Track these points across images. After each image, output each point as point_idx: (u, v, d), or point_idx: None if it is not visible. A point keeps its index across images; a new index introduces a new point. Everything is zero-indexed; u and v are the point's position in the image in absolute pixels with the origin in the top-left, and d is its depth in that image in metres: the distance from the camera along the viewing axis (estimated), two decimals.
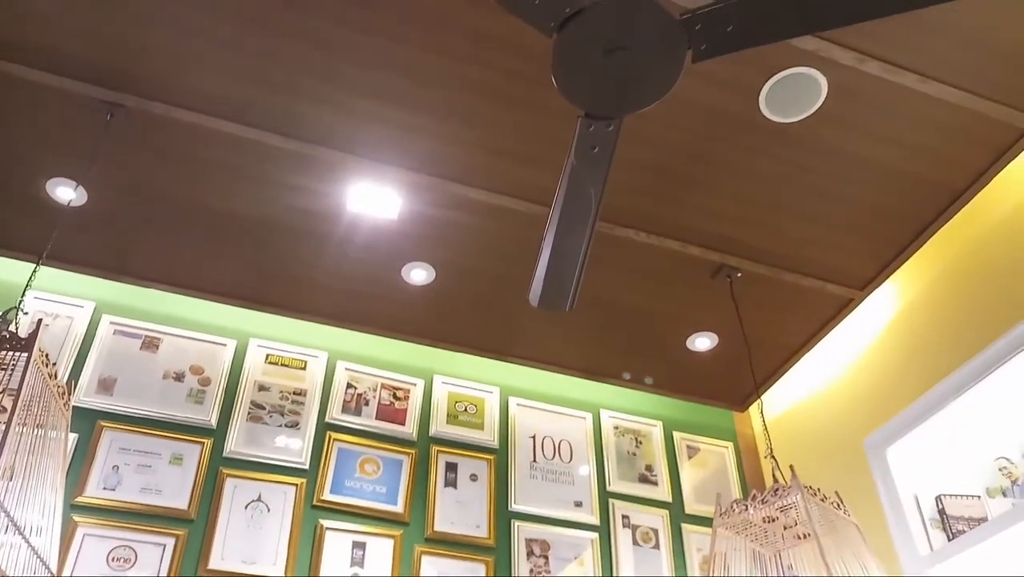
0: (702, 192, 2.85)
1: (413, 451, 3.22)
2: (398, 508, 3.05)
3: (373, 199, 2.86)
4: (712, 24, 1.46)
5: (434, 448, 3.27)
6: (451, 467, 3.24)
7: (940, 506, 2.79)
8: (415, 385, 3.41)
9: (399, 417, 3.28)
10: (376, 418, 3.26)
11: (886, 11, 1.40)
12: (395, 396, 3.34)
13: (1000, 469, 2.68)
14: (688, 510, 3.55)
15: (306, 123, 2.64)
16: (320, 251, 3.09)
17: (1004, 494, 2.67)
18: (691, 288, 3.24)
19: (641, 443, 3.68)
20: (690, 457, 3.75)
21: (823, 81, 2.49)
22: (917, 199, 2.89)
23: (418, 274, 3.16)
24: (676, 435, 3.79)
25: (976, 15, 2.33)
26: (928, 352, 2.98)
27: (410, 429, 3.27)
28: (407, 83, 2.52)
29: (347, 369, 3.36)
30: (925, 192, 2.86)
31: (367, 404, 3.29)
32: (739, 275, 3.14)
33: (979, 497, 2.76)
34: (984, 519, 2.69)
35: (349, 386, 3.32)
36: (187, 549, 2.74)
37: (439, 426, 3.33)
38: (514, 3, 1.44)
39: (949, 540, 2.70)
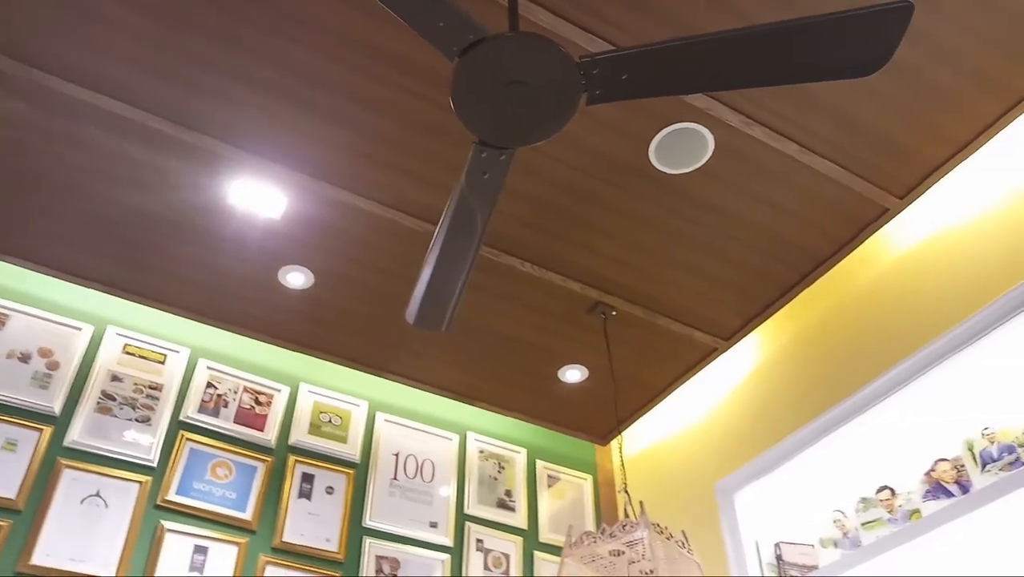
0: (587, 230, 2.92)
1: (269, 459, 3.12)
2: (247, 515, 2.94)
3: (256, 196, 2.79)
4: (608, 70, 1.51)
5: (292, 457, 3.18)
6: (308, 478, 3.16)
7: (778, 552, 2.92)
8: (279, 391, 3.31)
9: (258, 422, 3.18)
10: (234, 421, 3.15)
11: (766, 82, 1.49)
12: (257, 401, 3.24)
13: (834, 521, 2.83)
14: (542, 538, 3.59)
15: (193, 110, 2.54)
16: (195, 243, 2.97)
17: (835, 545, 2.82)
18: (567, 322, 3.30)
19: (504, 468, 3.70)
20: (550, 486, 3.80)
21: (710, 139, 2.61)
22: (785, 261, 3.05)
23: (296, 278, 3.09)
24: (539, 463, 3.84)
25: (852, 100, 2.51)
26: (781, 406, 3.15)
27: (269, 436, 3.17)
28: (302, 86, 2.47)
29: (209, 368, 3.24)
30: (793, 255, 3.03)
31: (226, 406, 3.17)
32: (614, 314, 3.23)
33: (813, 546, 2.91)
34: (815, 567, 2.84)
35: (209, 385, 3.19)
36: (9, 542, 2.55)
37: (300, 435, 3.25)
38: (419, 24, 1.44)
39: None
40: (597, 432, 4.01)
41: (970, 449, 2.45)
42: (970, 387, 2.63)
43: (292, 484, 3.11)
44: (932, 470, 2.54)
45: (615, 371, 3.48)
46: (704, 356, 3.49)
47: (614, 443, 4.05)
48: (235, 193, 2.78)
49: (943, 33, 2.32)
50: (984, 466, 2.40)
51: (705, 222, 2.89)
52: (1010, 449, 2.37)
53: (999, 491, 2.28)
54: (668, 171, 2.71)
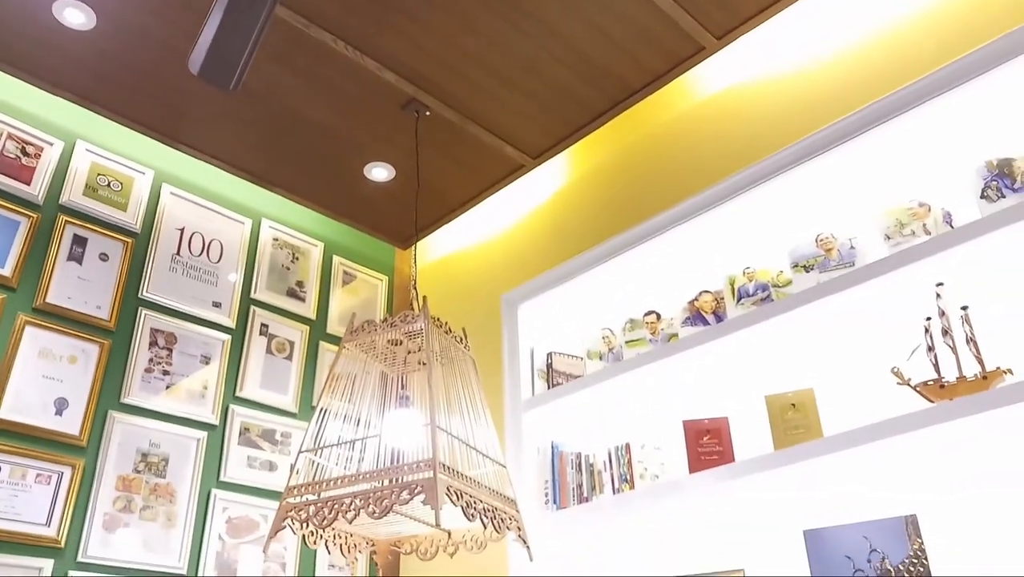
0: (410, 19, 2.76)
1: (35, 215, 2.86)
2: (5, 271, 2.72)
3: None
4: None
5: (62, 217, 2.94)
6: (79, 241, 2.94)
7: (549, 361, 3.13)
8: (52, 145, 3.00)
9: (25, 175, 2.88)
10: None
11: None
12: (24, 151, 2.92)
13: (603, 337, 3.05)
14: (330, 330, 3.62)
15: None
16: None
17: (600, 358, 3.06)
18: (379, 116, 3.19)
19: (298, 259, 3.64)
20: (345, 283, 3.80)
21: None
22: (599, 86, 3.06)
23: (74, 15, 2.71)
24: (335, 259, 3.81)
25: None
26: (574, 227, 3.27)
27: (36, 191, 2.89)
28: None
29: None
30: (607, 82, 3.04)
31: None
32: (428, 114, 3.15)
33: (581, 358, 3.14)
34: (580, 376, 3.07)
35: None
36: None
37: (73, 196, 2.99)
38: None
39: (548, 389, 3.06)
40: (398, 235, 4.01)
41: (731, 284, 2.68)
42: (741, 228, 2.85)
43: (60, 245, 2.89)
44: (695, 300, 2.77)
45: (421, 175, 3.45)
46: (511, 172, 3.51)
47: (413, 248, 4.08)
48: None
49: None
50: (740, 300, 2.65)
51: (530, 33, 2.82)
52: (764, 287, 2.62)
53: (746, 322, 2.53)
54: None
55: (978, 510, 2.08)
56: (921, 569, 2.05)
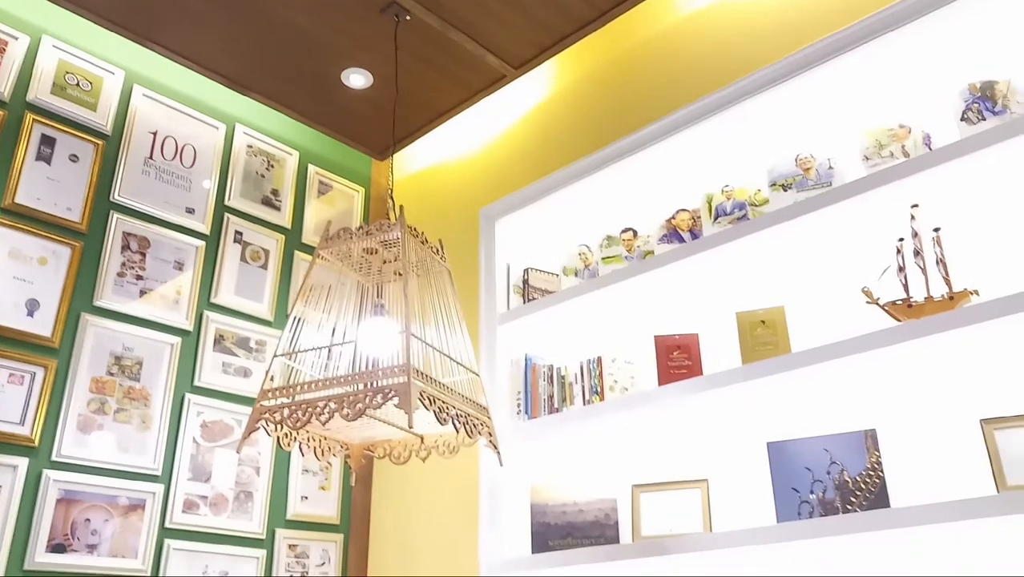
0: None
1: (1, 112, 2.78)
2: None
3: None
4: None
5: (30, 115, 2.85)
6: (48, 141, 2.87)
7: (525, 277, 3.14)
8: (16, 39, 2.89)
9: None
10: None
11: None
12: None
13: (579, 254, 3.05)
14: (305, 240, 3.60)
15: None
16: None
17: (576, 274, 3.07)
18: (357, 19, 3.09)
19: (273, 167, 3.58)
20: (321, 193, 3.75)
21: None
22: None
23: None
24: (311, 168, 3.75)
25: None
26: (553, 143, 3.24)
27: (2, 87, 2.80)
28: None
29: None
30: None
31: None
32: (408, 18, 3.06)
33: (557, 275, 3.15)
34: (553, 292, 3.09)
35: None
36: None
37: (40, 93, 2.90)
38: None
39: (523, 304, 3.08)
40: (375, 146, 3.95)
41: (709, 202, 2.68)
42: (721, 146, 2.83)
43: (29, 144, 2.81)
44: (672, 218, 2.77)
45: (400, 83, 3.38)
46: (492, 82, 3.44)
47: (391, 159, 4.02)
48: None
49: None
50: (716, 218, 2.65)
51: None
52: (741, 206, 2.62)
53: (721, 240, 2.54)
54: None
55: (934, 427, 2.15)
56: (877, 480, 2.12)
